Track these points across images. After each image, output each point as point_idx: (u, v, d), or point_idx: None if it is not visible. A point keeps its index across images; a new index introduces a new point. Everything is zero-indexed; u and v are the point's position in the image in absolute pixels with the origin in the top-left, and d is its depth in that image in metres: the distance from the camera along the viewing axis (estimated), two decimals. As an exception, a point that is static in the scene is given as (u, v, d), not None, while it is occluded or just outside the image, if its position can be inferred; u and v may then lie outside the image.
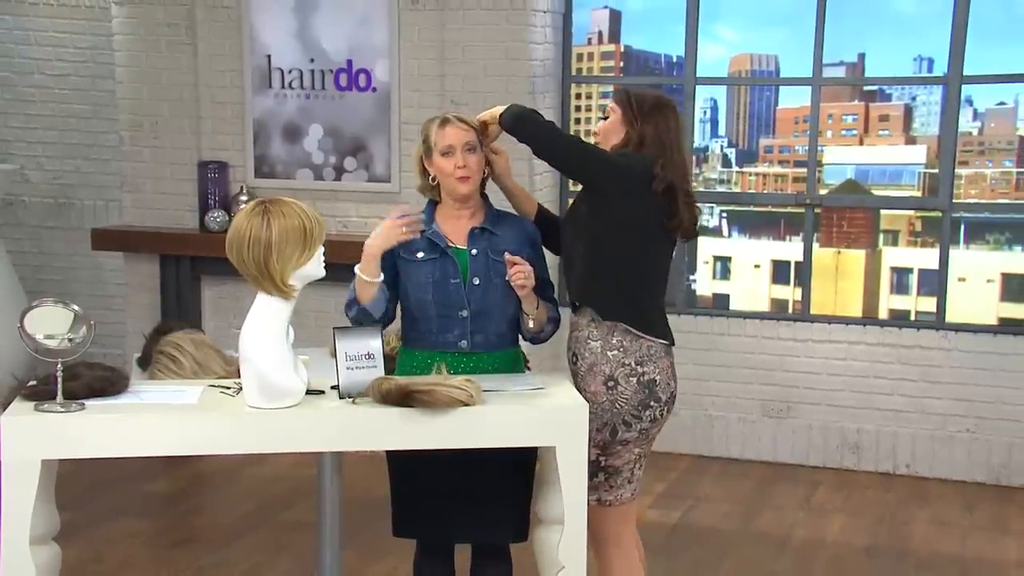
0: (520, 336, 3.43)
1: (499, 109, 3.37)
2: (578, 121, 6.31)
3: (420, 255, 3.32)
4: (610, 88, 6.42)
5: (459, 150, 3.29)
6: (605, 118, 3.53)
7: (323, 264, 3.04)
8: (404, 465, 3.34)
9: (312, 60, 6.02)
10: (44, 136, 6.99)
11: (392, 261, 3.35)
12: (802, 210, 5.94)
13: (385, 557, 4.56)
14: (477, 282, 3.31)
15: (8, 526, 2.86)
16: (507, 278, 3.24)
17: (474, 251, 3.33)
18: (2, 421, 2.87)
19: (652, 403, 3.35)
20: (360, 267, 3.24)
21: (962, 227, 5.88)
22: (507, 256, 3.24)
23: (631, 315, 3.35)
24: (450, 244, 3.33)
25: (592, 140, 3.59)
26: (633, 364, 3.33)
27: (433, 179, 3.36)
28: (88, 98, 6.88)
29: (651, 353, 3.35)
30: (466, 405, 2.99)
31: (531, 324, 3.34)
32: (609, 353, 3.34)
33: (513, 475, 3.31)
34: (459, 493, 3.29)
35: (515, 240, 3.37)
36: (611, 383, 3.33)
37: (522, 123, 3.33)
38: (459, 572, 3.55)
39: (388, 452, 3.35)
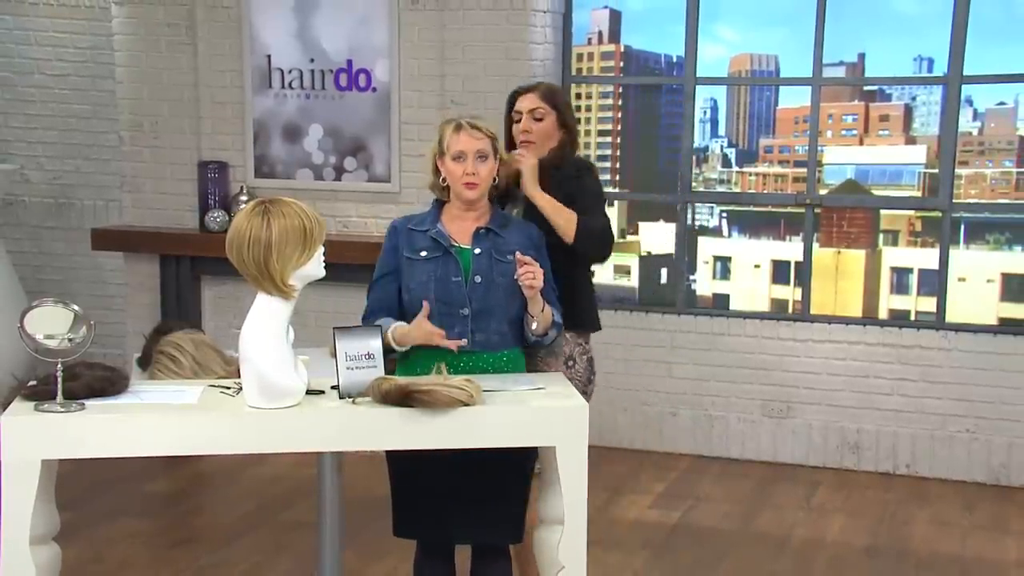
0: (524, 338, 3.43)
1: (560, 214, 3.53)
2: (578, 121, 6.29)
3: (424, 253, 3.33)
4: (610, 88, 6.44)
5: (470, 157, 3.30)
6: (538, 119, 3.69)
7: (323, 264, 3.05)
8: (404, 465, 3.34)
9: (312, 60, 6.02)
10: (44, 136, 6.99)
11: (397, 260, 3.36)
12: (802, 210, 5.94)
13: (385, 557, 4.56)
14: (479, 280, 3.31)
15: (8, 526, 2.86)
16: (516, 277, 3.25)
17: (478, 250, 3.34)
18: (2, 421, 2.87)
19: (592, 376, 3.74)
20: (397, 340, 3.25)
21: (962, 227, 5.88)
22: (518, 255, 3.25)
23: (596, 314, 3.80)
24: (453, 243, 3.34)
25: (520, 139, 3.70)
26: (584, 343, 3.73)
27: (443, 179, 3.37)
28: (88, 98, 6.88)
29: (589, 332, 3.77)
30: (466, 405, 2.99)
31: (535, 327, 3.34)
32: (567, 334, 3.63)
33: (513, 475, 3.31)
34: (459, 493, 3.29)
35: (520, 243, 3.37)
36: (570, 362, 3.66)
37: (591, 242, 3.61)
38: (460, 572, 3.55)
39: (388, 452, 3.35)
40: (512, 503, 3.34)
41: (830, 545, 4.97)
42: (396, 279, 3.37)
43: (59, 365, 2.92)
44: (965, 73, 5.65)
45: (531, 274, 3.23)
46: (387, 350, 3.21)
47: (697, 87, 6.04)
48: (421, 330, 3.23)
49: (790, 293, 6.12)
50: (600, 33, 6.38)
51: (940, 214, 5.78)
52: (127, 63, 6.28)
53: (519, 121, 3.72)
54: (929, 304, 5.86)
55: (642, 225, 6.47)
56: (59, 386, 2.91)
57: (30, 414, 2.90)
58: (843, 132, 6.27)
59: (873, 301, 6.09)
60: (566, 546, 3.12)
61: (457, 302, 3.31)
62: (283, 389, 2.97)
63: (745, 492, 5.62)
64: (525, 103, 3.71)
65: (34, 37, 6.91)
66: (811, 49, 5.79)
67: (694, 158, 6.15)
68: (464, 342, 3.26)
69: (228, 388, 3.14)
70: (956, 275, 5.80)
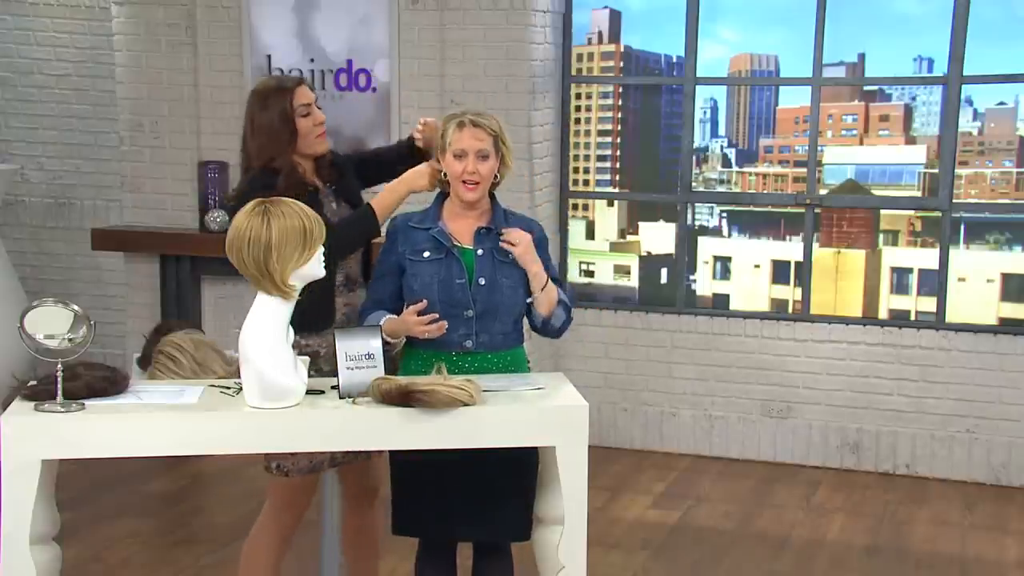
0: (532, 326, 3.42)
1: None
2: (578, 121, 6.30)
3: (426, 254, 3.33)
4: (610, 88, 6.43)
5: (471, 156, 3.29)
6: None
7: (323, 264, 3.05)
8: (406, 463, 3.33)
9: (312, 60, 6.02)
10: (44, 136, 7.00)
11: (397, 259, 3.36)
12: (802, 210, 5.95)
13: (385, 556, 4.54)
14: (483, 282, 3.31)
15: (8, 526, 2.87)
16: (501, 243, 3.28)
17: (480, 251, 3.34)
18: (2, 421, 2.87)
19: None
20: (387, 332, 3.24)
21: (962, 227, 5.87)
22: (504, 232, 3.29)
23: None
24: (456, 243, 3.34)
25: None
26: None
27: (444, 174, 3.37)
28: (88, 98, 6.88)
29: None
30: (466, 405, 3.00)
31: (541, 309, 3.33)
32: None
33: (516, 473, 3.30)
34: (463, 490, 3.28)
35: None
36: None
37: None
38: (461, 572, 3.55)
39: (391, 451, 3.35)
40: (517, 500, 3.32)
41: (830, 545, 4.97)
42: (394, 278, 3.36)
43: (59, 365, 2.92)
44: (965, 73, 5.65)
45: (511, 243, 3.26)
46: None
47: (697, 87, 6.05)
48: (405, 323, 3.23)
49: (790, 293, 6.11)
50: (600, 33, 6.37)
51: (940, 214, 5.78)
52: (127, 63, 6.28)
53: (307, 116, 3.58)
54: (929, 304, 5.86)
55: (642, 225, 6.45)
56: (59, 386, 2.91)
57: (30, 414, 2.90)
58: (843, 132, 6.26)
59: (873, 301, 6.08)
60: (566, 546, 3.12)
61: (461, 304, 3.30)
62: (283, 389, 2.97)
63: (745, 492, 5.63)
64: (308, 95, 3.61)
65: (34, 37, 6.92)
66: (811, 49, 5.80)
67: (694, 158, 6.16)
68: (445, 325, 3.23)
69: (228, 388, 3.14)
70: (956, 275, 5.80)
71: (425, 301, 3.25)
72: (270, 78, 3.86)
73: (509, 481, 3.29)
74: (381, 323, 3.25)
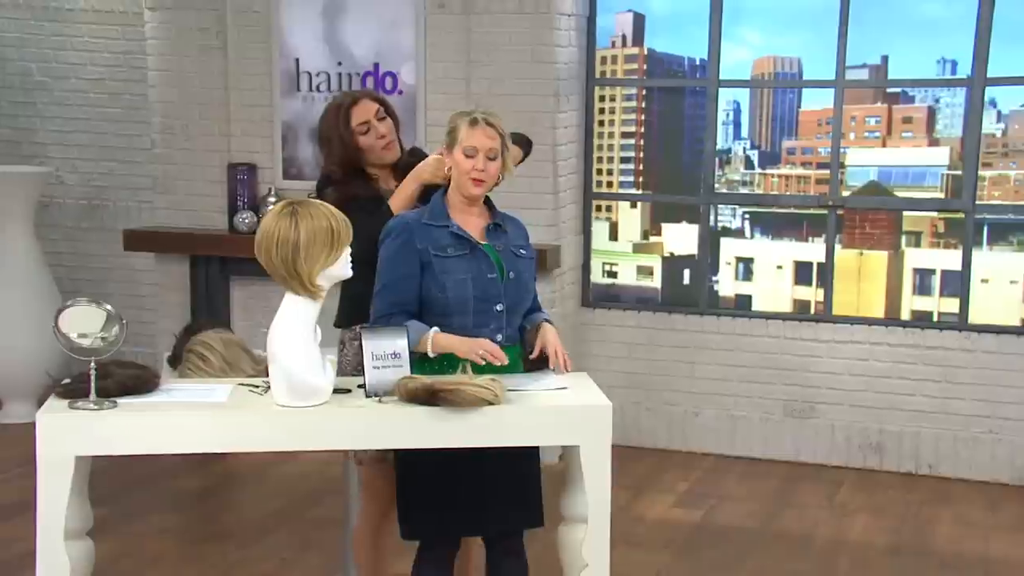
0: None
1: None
2: (602, 123, 6.34)
3: (450, 250, 3.32)
4: (634, 91, 6.47)
5: (481, 154, 3.32)
6: (382, 119, 3.69)
7: (350, 265, 3.10)
8: (411, 465, 3.33)
9: (340, 64, 6.09)
10: (79, 139, 7.10)
11: (419, 257, 3.32)
12: (825, 211, 5.96)
13: (410, 552, 4.60)
14: (512, 276, 3.36)
15: (43, 521, 2.93)
16: (552, 367, 3.37)
17: (499, 246, 3.38)
18: (38, 418, 2.94)
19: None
20: (432, 348, 3.25)
21: (985, 228, 5.88)
22: (547, 353, 3.38)
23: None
24: (476, 239, 3.36)
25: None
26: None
27: (449, 169, 3.39)
28: (121, 102, 6.98)
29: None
30: (491, 404, 3.03)
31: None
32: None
33: (518, 462, 3.31)
34: (468, 488, 3.29)
35: (521, 237, 3.47)
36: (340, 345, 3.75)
37: None
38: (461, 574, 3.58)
39: (396, 456, 3.36)
40: (526, 489, 3.35)
41: (852, 545, 4.99)
42: (418, 279, 3.29)
43: (92, 363, 2.97)
44: (989, 75, 5.65)
45: (563, 363, 3.35)
46: (420, 353, 3.23)
47: (720, 89, 6.07)
48: (479, 344, 3.22)
49: (813, 294, 6.13)
50: (624, 36, 6.41)
51: (963, 215, 5.79)
52: (159, 67, 6.36)
53: (366, 133, 3.67)
54: (952, 305, 5.86)
55: (665, 226, 6.49)
56: (92, 384, 2.97)
57: (64, 412, 2.96)
58: (866, 134, 6.27)
59: (896, 302, 6.09)
60: (590, 544, 3.15)
61: (493, 298, 3.32)
62: (311, 388, 3.02)
63: (768, 492, 5.65)
64: (366, 112, 3.68)
65: (70, 43, 7.03)
66: (834, 51, 5.81)
67: (717, 160, 6.18)
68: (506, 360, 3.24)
69: (257, 387, 3.19)
70: (979, 276, 5.79)
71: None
72: (337, 94, 3.91)
73: (514, 471, 3.30)
74: (429, 336, 3.23)
